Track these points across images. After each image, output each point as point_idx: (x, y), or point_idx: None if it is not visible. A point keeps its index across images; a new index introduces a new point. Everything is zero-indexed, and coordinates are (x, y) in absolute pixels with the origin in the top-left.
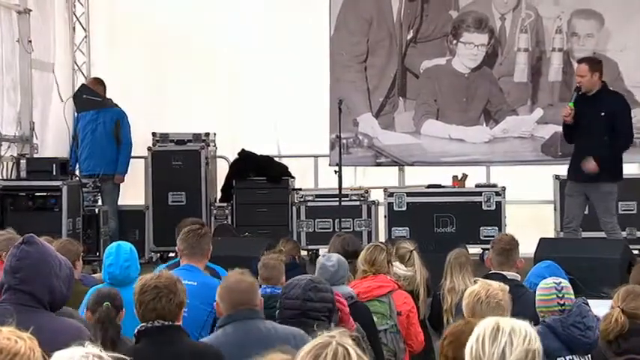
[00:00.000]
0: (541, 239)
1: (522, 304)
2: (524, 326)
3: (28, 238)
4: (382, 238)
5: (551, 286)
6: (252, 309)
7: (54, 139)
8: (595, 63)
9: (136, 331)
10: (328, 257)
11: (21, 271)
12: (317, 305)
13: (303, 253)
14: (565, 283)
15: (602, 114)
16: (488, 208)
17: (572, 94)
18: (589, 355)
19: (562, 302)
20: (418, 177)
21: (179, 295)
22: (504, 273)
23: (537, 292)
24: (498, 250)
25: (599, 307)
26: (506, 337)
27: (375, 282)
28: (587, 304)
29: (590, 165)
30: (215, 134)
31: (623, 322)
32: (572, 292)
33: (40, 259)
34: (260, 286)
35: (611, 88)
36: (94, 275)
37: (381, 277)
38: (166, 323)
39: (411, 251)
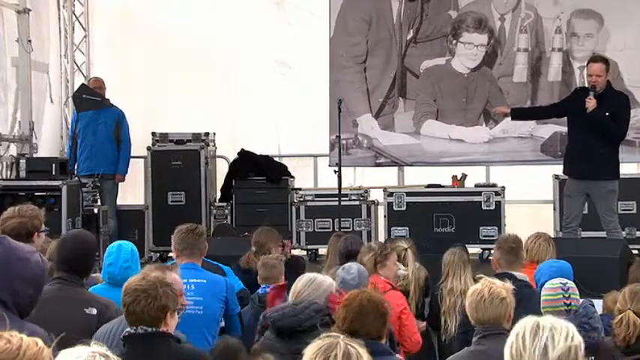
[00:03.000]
0: None
1: (531, 305)
2: (564, 323)
3: None
4: (382, 237)
5: (557, 287)
6: None
7: (49, 138)
8: (608, 62)
9: (121, 336)
10: (348, 270)
11: None
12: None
13: (303, 252)
14: (571, 283)
15: (607, 114)
16: (488, 208)
17: (584, 88)
18: (592, 357)
19: (568, 302)
20: (418, 177)
21: (161, 298)
22: (514, 273)
23: (543, 292)
24: (507, 250)
25: (598, 307)
26: (547, 332)
27: (370, 283)
28: (593, 305)
29: (591, 102)
30: (215, 134)
31: (638, 325)
32: (577, 292)
33: (3, 259)
34: (259, 285)
35: (615, 88)
36: (93, 275)
37: (374, 277)
38: (149, 330)
39: (406, 249)
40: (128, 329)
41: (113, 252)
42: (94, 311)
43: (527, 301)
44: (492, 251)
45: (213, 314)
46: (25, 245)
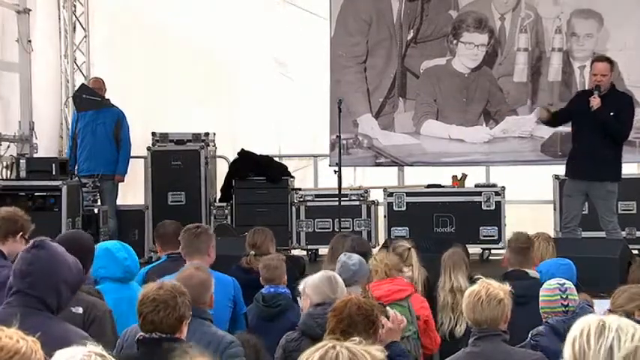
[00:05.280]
0: None
1: None
2: (630, 323)
3: (39, 242)
4: (382, 238)
5: (554, 287)
6: (197, 307)
7: (48, 138)
8: (612, 62)
9: (135, 339)
10: (350, 256)
11: (30, 275)
12: None
13: (303, 253)
14: (569, 284)
15: (611, 114)
16: (488, 208)
17: (586, 90)
18: None
19: (566, 303)
20: (418, 177)
21: (179, 308)
22: (527, 270)
23: (541, 293)
24: (517, 249)
25: (598, 307)
26: (614, 332)
27: (395, 285)
28: (591, 305)
29: (596, 100)
30: (215, 134)
31: None
32: (575, 293)
33: (50, 263)
34: (260, 285)
35: (618, 89)
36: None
37: (399, 279)
38: (164, 335)
39: (409, 249)
40: (142, 334)
41: (120, 248)
42: (80, 310)
43: (535, 299)
44: (493, 251)
45: (222, 315)
46: (59, 246)
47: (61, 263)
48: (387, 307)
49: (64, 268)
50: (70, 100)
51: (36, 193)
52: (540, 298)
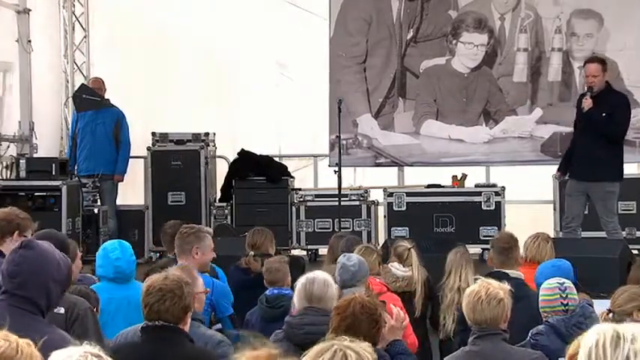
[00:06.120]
0: None
1: (525, 304)
2: None
3: (27, 243)
4: (382, 238)
5: (554, 287)
6: None
7: (49, 138)
8: (605, 62)
9: (139, 328)
10: (349, 257)
11: (18, 276)
12: None
13: (303, 253)
14: (568, 283)
15: (604, 114)
16: (488, 208)
17: (585, 93)
18: None
19: (565, 302)
20: (418, 177)
21: (184, 298)
22: (507, 271)
23: (541, 292)
24: (498, 250)
25: (598, 307)
26: (629, 343)
27: None
28: (591, 304)
29: (587, 102)
30: (215, 134)
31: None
32: (575, 292)
33: (38, 263)
34: (258, 285)
35: (615, 89)
36: (89, 275)
37: (370, 279)
38: (167, 324)
39: (409, 249)
40: (146, 322)
41: (117, 247)
42: (62, 310)
43: (518, 300)
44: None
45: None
46: (48, 245)
47: (49, 262)
48: (392, 305)
49: (52, 267)
50: (70, 100)
51: (36, 193)
52: (540, 298)
